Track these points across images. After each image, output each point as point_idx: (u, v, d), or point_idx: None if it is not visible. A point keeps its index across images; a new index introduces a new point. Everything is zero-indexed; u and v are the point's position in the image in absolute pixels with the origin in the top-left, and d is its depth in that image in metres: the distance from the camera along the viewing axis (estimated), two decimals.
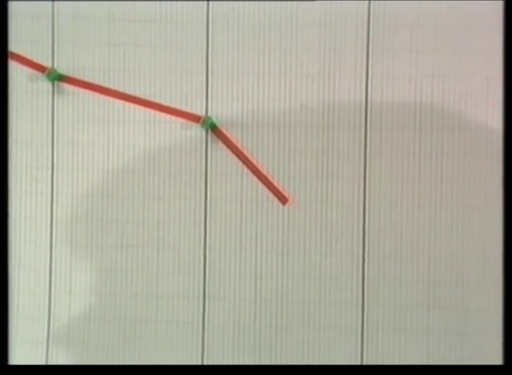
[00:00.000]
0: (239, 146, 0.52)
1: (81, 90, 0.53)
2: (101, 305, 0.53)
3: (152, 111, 0.52)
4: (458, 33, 0.50)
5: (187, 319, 0.52)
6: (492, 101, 0.50)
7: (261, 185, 0.52)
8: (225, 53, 0.52)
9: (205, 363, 0.52)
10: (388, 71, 0.50)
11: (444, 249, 0.50)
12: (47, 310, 0.53)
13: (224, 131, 0.52)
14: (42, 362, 0.53)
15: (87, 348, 0.53)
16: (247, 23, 0.51)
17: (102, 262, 0.53)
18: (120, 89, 0.53)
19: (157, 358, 0.52)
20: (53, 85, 0.53)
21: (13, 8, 0.52)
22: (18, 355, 0.53)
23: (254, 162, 0.51)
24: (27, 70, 0.53)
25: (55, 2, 0.52)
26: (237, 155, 0.52)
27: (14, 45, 0.53)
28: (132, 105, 0.53)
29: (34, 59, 0.53)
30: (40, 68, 0.52)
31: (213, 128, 0.52)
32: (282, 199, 0.51)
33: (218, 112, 0.52)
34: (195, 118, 0.52)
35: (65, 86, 0.53)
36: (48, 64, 0.53)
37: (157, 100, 0.52)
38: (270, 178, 0.51)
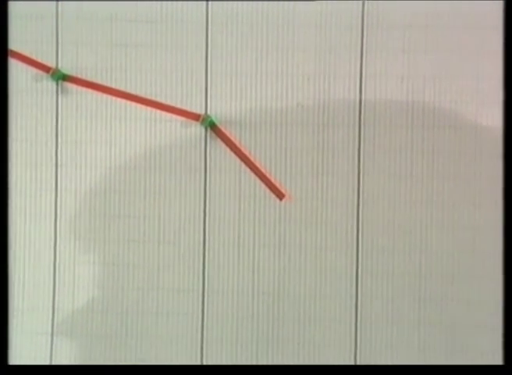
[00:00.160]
0: (237, 144, 0.52)
1: (84, 89, 0.53)
2: (104, 297, 0.53)
3: (153, 109, 0.53)
4: (449, 33, 0.50)
5: (187, 311, 0.53)
6: (482, 100, 0.50)
7: (258, 181, 0.52)
8: (224, 53, 0.52)
9: (204, 354, 0.52)
10: (381, 71, 0.51)
11: (435, 243, 0.51)
12: (51, 303, 0.53)
13: (223, 129, 0.52)
14: (47, 354, 0.53)
15: (90, 339, 0.53)
16: (245, 24, 0.52)
17: (105, 256, 0.53)
18: (122, 88, 0.53)
19: (157, 350, 0.53)
20: (57, 85, 0.53)
21: (18, 10, 0.53)
22: (23, 347, 0.53)
23: (252, 159, 0.52)
24: (32, 70, 0.53)
25: (59, 4, 0.53)
26: (235, 153, 0.52)
27: (19, 46, 0.53)
28: (133, 103, 0.53)
29: (39, 60, 0.53)
30: (45, 68, 0.53)
31: (212, 126, 0.52)
32: (279, 195, 0.52)
33: (217, 110, 0.52)
34: (195, 116, 0.52)
35: (69, 85, 0.53)
36: (52, 64, 0.53)
37: (158, 99, 0.53)
38: (267, 175, 0.52)
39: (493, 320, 0.50)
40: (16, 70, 0.53)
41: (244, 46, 0.52)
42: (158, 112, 0.53)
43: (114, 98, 0.53)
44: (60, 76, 0.53)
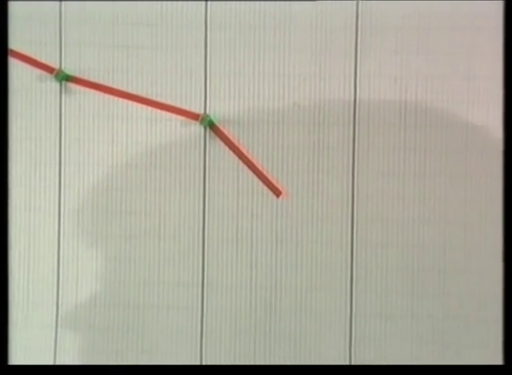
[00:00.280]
0: (235, 142, 0.52)
1: (87, 89, 0.53)
2: (107, 291, 0.53)
3: (154, 109, 0.53)
4: (441, 35, 0.51)
5: (187, 304, 0.53)
6: (472, 99, 0.51)
7: (256, 179, 0.52)
8: (222, 55, 0.52)
9: (204, 346, 0.52)
10: (375, 71, 0.51)
11: (427, 238, 0.51)
12: (55, 297, 0.54)
13: (221, 128, 0.52)
14: (51, 346, 0.53)
15: (93, 331, 0.53)
16: (243, 26, 0.52)
17: (107, 251, 0.53)
18: (124, 89, 0.53)
19: (158, 342, 0.53)
20: (60, 85, 0.53)
21: (22, 12, 0.53)
22: (28, 340, 0.54)
23: (250, 157, 0.52)
24: (36, 71, 0.53)
25: (63, 7, 0.53)
26: (234, 151, 0.52)
27: (24, 47, 0.53)
28: (135, 103, 0.53)
29: (43, 61, 0.53)
30: (49, 69, 0.53)
31: (211, 125, 0.52)
32: (276, 192, 0.52)
33: (216, 110, 0.52)
34: (194, 116, 0.52)
35: (72, 86, 0.53)
36: (55, 65, 0.53)
37: (158, 99, 0.53)
38: (264, 172, 0.52)
39: (483, 313, 0.50)
40: (21, 71, 0.53)
41: (242, 47, 0.52)
42: (159, 111, 0.53)
43: (116, 98, 0.53)
44: (63, 77, 0.53)
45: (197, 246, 0.53)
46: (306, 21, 0.52)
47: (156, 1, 0.52)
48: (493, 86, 0.50)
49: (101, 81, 0.53)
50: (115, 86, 0.53)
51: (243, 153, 0.52)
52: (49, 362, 0.54)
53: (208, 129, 0.52)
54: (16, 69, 0.53)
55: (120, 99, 0.53)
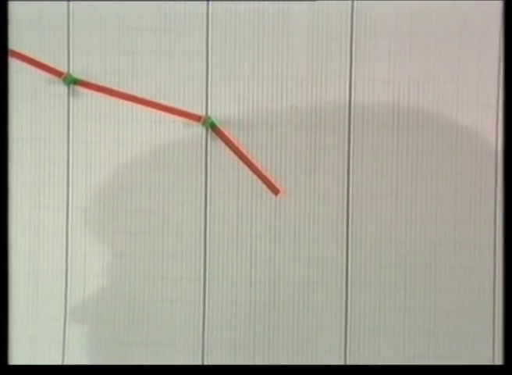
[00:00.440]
0: (236, 143, 0.52)
1: (94, 92, 0.53)
2: (113, 285, 0.54)
3: (158, 111, 0.53)
4: (431, 40, 0.51)
5: (189, 298, 0.53)
6: (462, 102, 0.51)
7: (255, 178, 0.52)
8: (223, 59, 0.52)
9: (205, 338, 0.53)
10: (369, 75, 0.51)
11: (419, 235, 0.51)
12: (64, 290, 0.54)
13: (222, 130, 0.52)
14: (60, 338, 0.54)
15: (100, 324, 0.54)
16: (243, 32, 0.52)
17: (113, 248, 0.54)
18: (129, 92, 0.53)
19: (162, 334, 0.53)
20: (68, 88, 0.53)
21: (32, 19, 0.53)
22: (38, 332, 0.54)
23: (249, 157, 0.52)
24: (45, 75, 0.54)
25: (71, 13, 0.53)
26: (234, 151, 0.52)
27: (33, 52, 0.53)
28: (139, 106, 0.53)
29: (52, 65, 0.53)
30: (57, 73, 0.53)
31: (212, 127, 0.52)
32: (275, 191, 0.52)
33: (217, 112, 0.53)
34: (196, 117, 0.53)
35: (80, 89, 0.53)
36: (64, 69, 0.53)
37: (162, 101, 0.53)
38: (263, 172, 0.52)
39: (472, 306, 0.51)
40: (31, 75, 0.54)
41: (242, 52, 0.52)
42: (163, 113, 0.53)
43: (121, 100, 0.53)
44: (71, 81, 0.53)
45: (198, 242, 0.53)
46: (303, 27, 0.52)
47: (160, 1, 0.53)
48: (481, 89, 0.51)
49: (107, 84, 0.53)
50: (120, 89, 0.53)
51: (242, 153, 0.52)
52: (58, 353, 0.54)
53: (209, 130, 0.53)
54: (26, 73, 0.54)
55: (125, 102, 0.53)
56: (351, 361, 0.52)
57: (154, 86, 0.53)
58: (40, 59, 0.53)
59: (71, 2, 0.53)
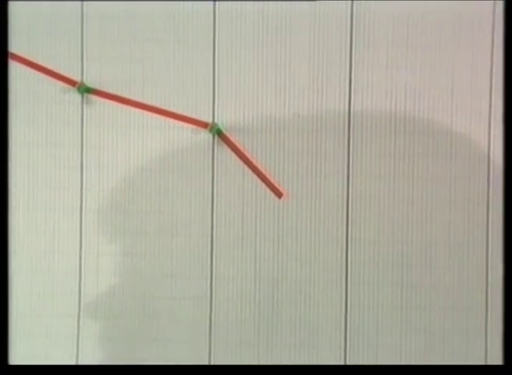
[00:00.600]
0: (241, 148, 0.53)
1: (106, 101, 0.54)
2: (124, 283, 0.54)
3: (166, 118, 0.54)
4: (427, 51, 0.52)
5: (197, 295, 0.54)
6: (456, 109, 0.52)
7: (259, 181, 0.53)
8: (229, 69, 0.53)
9: (212, 334, 0.54)
10: (367, 84, 0.52)
11: (415, 236, 0.52)
12: (77, 288, 0.55)
13: (228, 136, 0.53)
14: (74, 333, 0.55)
15: (112, 321, 0.54)
16: (247, 43, 0.53)
17: (125, 248, 0.54)
18: (139, 100, 0.54)
19: (170, 330, 0.54)
20: (82, 97, 0.54)
21: (47, 31, 0.54)
22: (52, 328, 0.55)
23: (254, 162, 0.53)
24: (60, 84, 0.54)
25: (84, 25, 0.54)
26: (239, 156, 0.53)
27: (49, 62, 0.54)
28: (149, 113, 0.54)
29: (67, 75, 0.54)
30: (72, 82, 0.54)
31: (219, 133, 0.53)
32: (278, 194, 0.53)
33: (224, 119, 0.53)
34: (203, 124, 0.53)
35: (93, 97, 0.54)
36: (78, 79, 0.54)
37: (170, 109, 0.54)
38: (267, 176, 0.53)
39: (466, 303, 0.52)
40: (47, 84, 0.54)
41: (247, 62, 0.53)
42: (171, 120, 0.53)
43: (132, 108, 0.54)
44: (85, 89, 0.54)
45: (205, 243, 0.54)
46: (304, 39, 0.53)
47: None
48: (474, 97, 0.52)
49: (118, 93, 0.54)
50: (131, 97, 0.54)
51: (247, 158, 0.53)
52: (72, 348, 0.55)
53: (216, 136, 0.53)
54: (42, 83, 0.54)
55: (136, 109, 0.54)
56: (350, 356, 0.53)
57: (164, 94, 0.54)
58: (56, 69, 0.54)
59: (85, 16, 0.54)
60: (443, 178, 0.52)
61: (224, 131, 0.53)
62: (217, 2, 0.53)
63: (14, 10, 0.54)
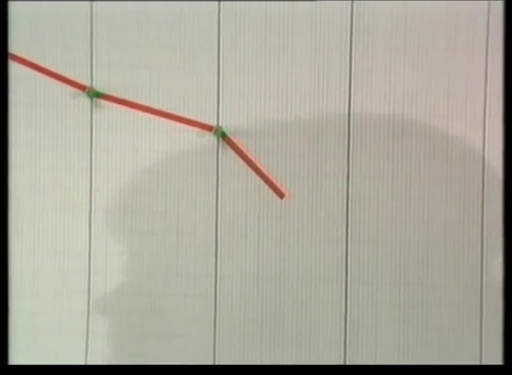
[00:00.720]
0: (244, 151, 0.54)
1: (115, 105, 0.54)
2: (132, 281, 0.55)
3: (173, 122, 0.54)
4: (424, 56, 0.53)
5: (202, 293, 0.54)
6: (452, 112, 0.53)
7: (262, 182, 0.54)
8: (233, 74, 0.54)
9: (217, 330, 0.54)
10: (367, 88, 0.53)
11: (412, 235, 0.53)
12: (87, 286, 0.55)
13: (232, 138, 0.54)
14: (83, 329, 0.55)
15: (120, 317, 0.55)
16: (251, 49, 0.54)
17: (132, 247, 0.55)
18: (146, 104, 0.54)
19: (176, 326, 0.55)
20: (92, 101, 0.55)
21: (58, 38, 0.54)
22: (63, 325, 0.55)
23: (257, 163, 0.54)
24: (70, 89, 0.55)
25: (94, 32, 0.54)
26: (243, 158, 0.54)
27: (60, 68, 0.54)
28: (156, 117, 0.54)
29: (76, 80, 0.55)
30: (81, 87, 0.55)
31: (223, 136, 0.54)
32: (280, 194, 0.54)
33: (228, 122, 0.54)
34: (208, 128, 0.54)
35: (102, 102, 0.55)
36: (87, 84, 0.55)
37: (177, 113, 0.54)
38: (270, 177, 0.54)
39: (460, 300, 0.53)
40: (57, 89, 0.55)
41: (250, 68, 0.54)
42: (177, 124, 0.54)
43: (140, 112, 0.54)
44: (94, 94, 0.54)
45: (210, 242, 0.54)
46: (306, 45, 0.53)
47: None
48: (469, 101, 0.53)
49: (126, 97, 0.54)
50: (139, 101, 0.54)
51: (250, 160, 0.54)
52: (82, 343, 0.55)
53: (220, 139, 0.54)
54: (53, 88, 0.55)
55: (143, 113, 0.54)
56: (350, 351, 0.54)
57: (170, 99, 0.54)
58: (66, 75, 0.55)
59: (94, 23, 0.54)
60: (440, 179, 0.53)
61: (228, 134, 0.54)
62: (221, 8, 0.54)
63: (28, 19, 0.55)
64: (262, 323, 0.55)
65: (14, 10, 0.55)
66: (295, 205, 0.54)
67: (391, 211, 0.53)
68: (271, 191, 0.54)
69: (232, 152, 0.54)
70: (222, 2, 0.54)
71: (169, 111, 0.54)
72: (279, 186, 0.54)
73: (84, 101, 0.55)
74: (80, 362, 0.56)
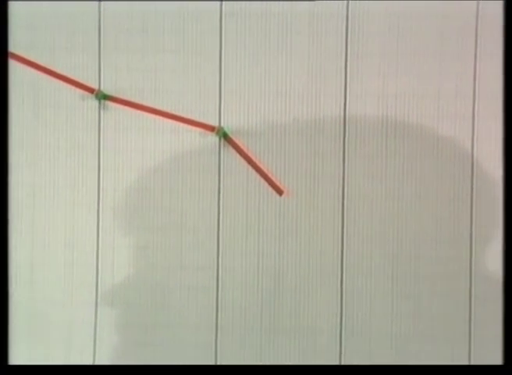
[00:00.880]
0: (245, 150, 0.55)
1: (122, 106, 0.55)
2: (138, 274, 0.56)
3: (177, 122, 0.55)
4: (415, 60, 0.53)
5: (204, 285, 0.55)
6: (442, 114, 0.54)
7: (262, 180, 0.55)
8: (234, 77, 0.55)
9: (219, 321, 0.55)
10: (361, 91, 0.54)
11: (405, 231, 0.54)
12: (95, 279, 0.56)
13: (234, 138, 0.55)
14: (92, 320, 0.56)
15: (127, 308, 0.56)
16: (252, 53, 0.54)
17: (138, 241, 0.56)
18: (152, 105, 0.55)
19: (181, 316, 0.55)
20: (99, 103, 0.55)
21: (67, 43, 0.55)
22: (73, 316, 0.56)
23: (257, 162, 0.54)
24: (79, 91, 0.55)
25: (102, 37, 0.55)
26: (244, 157, 0.55)
27: (69, 72, 0.55)
28: (161, 118, 0.55)
29: (85, 83, 0.55)
30: (90, 89, 0.55)
31: (225, 136, 0.55)
32: (279, 191, 0.55)
33: (229, 123, 0.55)
34: (210, 128, 0.55)
35: (109, 104, 0.55)
36: (95, 86, 0.55)
37: (180, 114, 0.55)
38: (269, 175, 0.54)
39: (452, 292, 0.54)
40: (66, 91, 0.55)
41: (251, 71, 0.55)
42: (181, 124, 0.55)
43: (145, 113, 0.55)
44: (102, 96, 0.55)
45: (212, 237, 0.55)
46: (303, 50, 0.54)
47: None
48: (459, 103, 0.53)
49: (133, 99, 0.55)
50: (144, 103, 0.55)
51: (251, 159, 0.54)
52: (90, 334, 0.56)
53: (222, 139, 0.55)
54: (62, 90, 0.55)
55: (149, 114, 0.55)
56: (346, 340, 0.55)
57: (174, 100, 0.55)
58: (75, 78, 0.55)
59: (102, 29, 0.55)
60: (430, 177, 0.54)
61: (229, 134, 0.55)
62: (224, 11, 0.54)
63: (38, 25, 0.56)
64: (262, 313, 0.55)
65: (30, 13, 0.55)
66: (293, 201, 0.55)
67: (384, 208, 0.54)
68: (270, 189, 0.55)
69: (233, 152, 0.55)
70: (223, 4, 0.54)
71: (173, 112, 0.55)
72: (277, 184, 0.55)
73: (92, 103, 0.56)
74: (89, 350, 0.56)
